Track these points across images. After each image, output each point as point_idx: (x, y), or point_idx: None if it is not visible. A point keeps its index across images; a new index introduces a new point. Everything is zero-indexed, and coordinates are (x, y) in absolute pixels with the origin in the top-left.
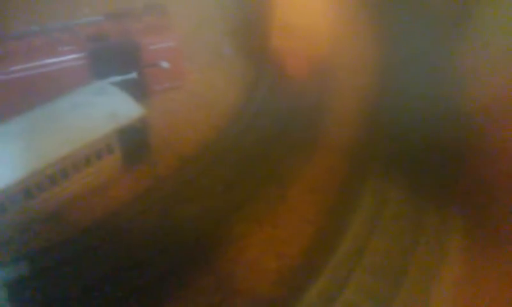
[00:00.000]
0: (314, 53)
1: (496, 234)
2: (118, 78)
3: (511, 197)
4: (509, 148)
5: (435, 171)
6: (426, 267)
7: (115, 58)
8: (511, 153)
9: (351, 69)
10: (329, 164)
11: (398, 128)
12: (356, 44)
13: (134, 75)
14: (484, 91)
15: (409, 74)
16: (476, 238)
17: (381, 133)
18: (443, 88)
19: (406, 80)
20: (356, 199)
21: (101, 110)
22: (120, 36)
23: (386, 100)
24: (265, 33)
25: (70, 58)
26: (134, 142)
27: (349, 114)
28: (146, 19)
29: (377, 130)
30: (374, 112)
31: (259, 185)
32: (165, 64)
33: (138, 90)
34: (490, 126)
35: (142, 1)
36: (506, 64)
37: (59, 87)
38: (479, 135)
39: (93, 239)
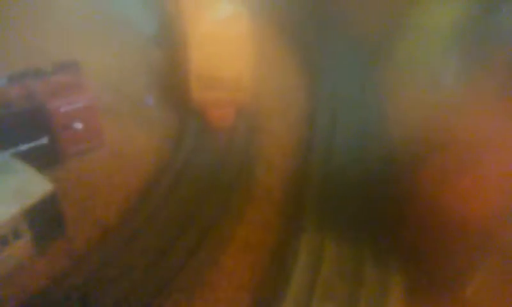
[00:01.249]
0: (238, 101)
1: (438, 292)
2: (27, 145)
3: (452, 247)
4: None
5: (372, 222)
6: None
7: (21, 125)
8: (447, 201)
9: (278, 113)
10: (263, 218)
11: (331, 174)
12: (282, 85)
13: (44, 140)
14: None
15: (340, 112)
16: (418, 297)
17: (314, 181)
18: (373, 125)
19: (336, 120)
20: (292, 256)
21: (4, 190)
22: (25, 101)
23: (317, 141)
24: (186, 85)
25: None
26: (45, 221)
27: (279, 161)
28: (55, 79)
29: (309, 176)
30: (305, 157)
31: (188, 253)
32: (78, 126)
33: (51, 155)
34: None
35: (56, 56)
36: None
37: None
38: (414, 179)
39: None
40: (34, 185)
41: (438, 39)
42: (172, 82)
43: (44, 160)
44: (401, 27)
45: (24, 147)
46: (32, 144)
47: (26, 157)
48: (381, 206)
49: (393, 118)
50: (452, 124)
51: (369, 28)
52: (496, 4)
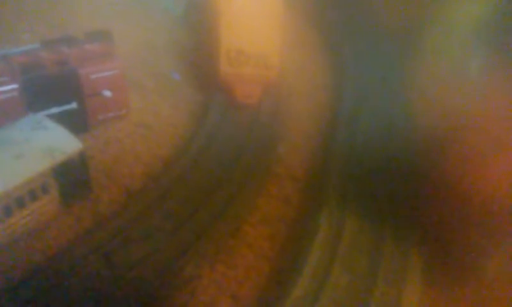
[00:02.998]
0: (265, 79)
1: (457, 272)
2: (57, 109)
3: (472, 232)
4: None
5: (393, 198)
6: (386, 303)
7: (53, 88)
8: (466, 187)
9: (304, 94)
10: (284, 194)
11: (353, 154)
12: (309, 68)
13: (74, 105)
14: (434, 114)
15: (364, 97)
16: (436, 275)
17: (336, 160)
18: (399, 111)
19: (361, 103)
20: (312, 230)
21: (35, 146)
22: (58, 65)
23: (341, 123)
24: (214, 59)
25: (2, 90)
26: (73, 179)
27: (302, 141)
28: (87, 47)
29: (331, 156)
30: (328, 138)
31: (211, 220)
32: (107, 93)
33: (79, 121)
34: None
35: (88, 28)
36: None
37: None
38: (436, 165)
39: (30, 291)
40: (65, 143)
41: (463, 32)
42: (199, 59)
43: (73, 125)
44: (426, 20)
45: (54, 110)
46: (62, 108)
47: (56, 120)
48: (402, 184)
49: (419, 102)
50: (475, 111)
51: (395, 19)
52: None
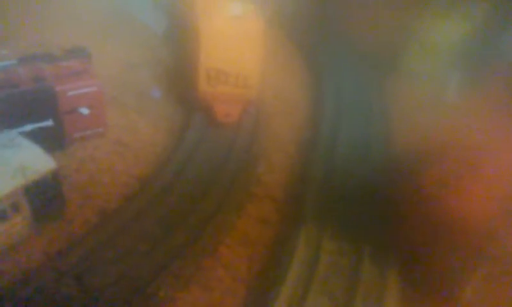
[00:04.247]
0: (244, 98)
1: (434, 293)
2: (32, 126)
3: (449, 254)
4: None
5: (372, 220)
6: None
7: (28, 105)
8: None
9: (283, 113)
10: (262, 215)
11: (332, 176)
12: (289, 88)
13: (50, 122)
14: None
15: (343, 118)
16: (414, 296)
17: (314, 181)
18: (377, 129)
19: (340, 124)
20: (290, 251)
21: (6, 165)
22: (33, 82)
23: (319, 143)
24: (193, 78)
25: None
26: (45, 199)
27: (281, 161)
28: (64, 64)
29: (310, 177)
30: (307, 159)
31: (187, 241)
32: (84, 111)
33: (55, 138)
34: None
35: (69, 45)
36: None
37: None
38: (414, 188)
39: None
40: (38, 162)
41: (441, 56)
42: (180, 77)
43: (48, 142)
44: (408, 41)
45: (29, 127)
46: (37, 125)
47: (31, 137)
48: (381, 206)
49: (397, 124)
50: (453, 131)
51: (376, 40)
52: (503, 26)
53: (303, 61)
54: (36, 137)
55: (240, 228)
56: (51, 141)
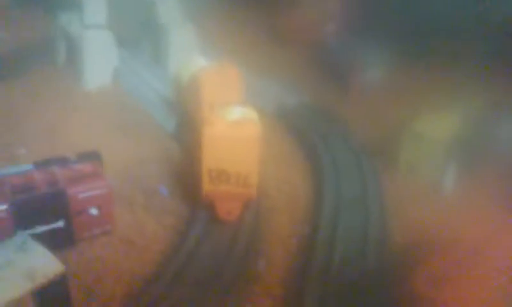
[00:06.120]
0: (245, 196)
1: None
2: (43, 228)
3: None
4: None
5: None
6: None
7: (41, 208)
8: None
9: (283, 209)
10: None
11: (331, 272)
12: (287, 183)
13: (60, 223)
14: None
15: (342, 211)
16: None
17: (314, 278)
18: (374, 225)
19: (338, 219)
20: None
21: (16, 270)
22: (47, 186)
23: (319, 239)
24: (198, 177)
25: None
26: (54, 301)
27: (281, 257)
28: (77, 167)
29: (310, 274)
30: (307, 254)
31: None
32: (94, 211)
33: (64, 238)
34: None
35: (82, 145)
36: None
37: None
38: (410, 285)
39: None
40: (47, 266)
41: (437, 148)
42: (186, 175)
43: (57, 242)
44: (403, 135)
45: (40, 229)
46: (48, 227)
47: (41, 239)
48: (381, 302)
49: (394, 220)
50: (448, 225)
51: (372, 134)
52: (497, 120)
53: (303, 151)
54: (46, 237)
55: None
56: (60, 240)
